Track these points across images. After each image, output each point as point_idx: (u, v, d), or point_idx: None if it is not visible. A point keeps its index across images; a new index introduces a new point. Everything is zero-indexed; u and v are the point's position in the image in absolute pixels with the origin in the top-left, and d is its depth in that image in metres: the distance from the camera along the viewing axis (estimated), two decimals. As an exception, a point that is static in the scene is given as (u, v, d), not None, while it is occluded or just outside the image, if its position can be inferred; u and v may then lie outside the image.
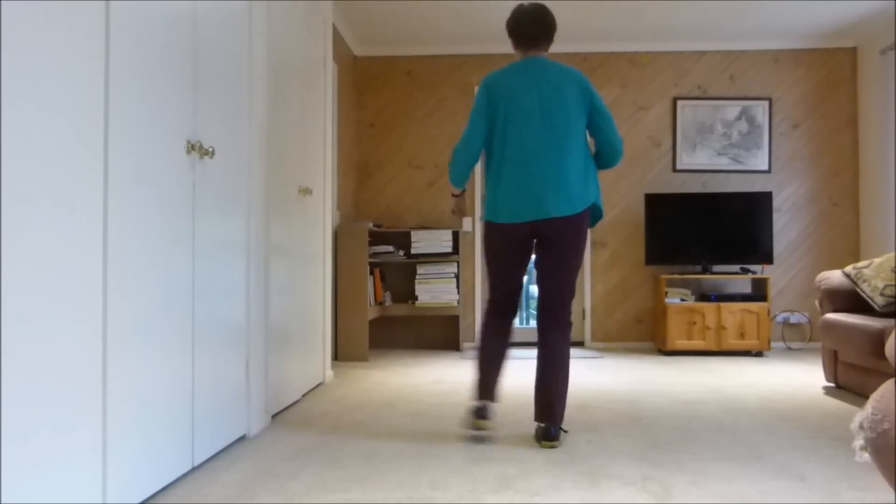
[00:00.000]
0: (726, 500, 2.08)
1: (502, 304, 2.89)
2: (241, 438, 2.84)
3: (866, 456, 1.51)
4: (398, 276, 5.97)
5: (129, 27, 1.93)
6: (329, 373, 4.23)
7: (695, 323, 5.39)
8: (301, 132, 3.69)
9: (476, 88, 6.01)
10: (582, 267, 5.91)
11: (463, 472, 2.38)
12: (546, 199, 2.72)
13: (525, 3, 2.97)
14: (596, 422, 3.13)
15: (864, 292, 3.85)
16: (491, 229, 2.83)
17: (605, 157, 2.89)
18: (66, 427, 1.65)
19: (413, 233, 5.69)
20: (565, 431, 2.87)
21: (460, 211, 3.07)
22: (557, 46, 5.97)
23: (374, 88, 6.09)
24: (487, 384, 2.82)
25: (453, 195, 3.06)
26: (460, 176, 2.92)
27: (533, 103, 2.78)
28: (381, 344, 6.03)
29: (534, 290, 2.90)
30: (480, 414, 2.77)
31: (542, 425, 2.73)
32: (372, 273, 5.43)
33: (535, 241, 2.83)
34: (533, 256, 2.91)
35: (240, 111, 2.80)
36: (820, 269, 5.89)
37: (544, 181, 2.73)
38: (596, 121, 2.83)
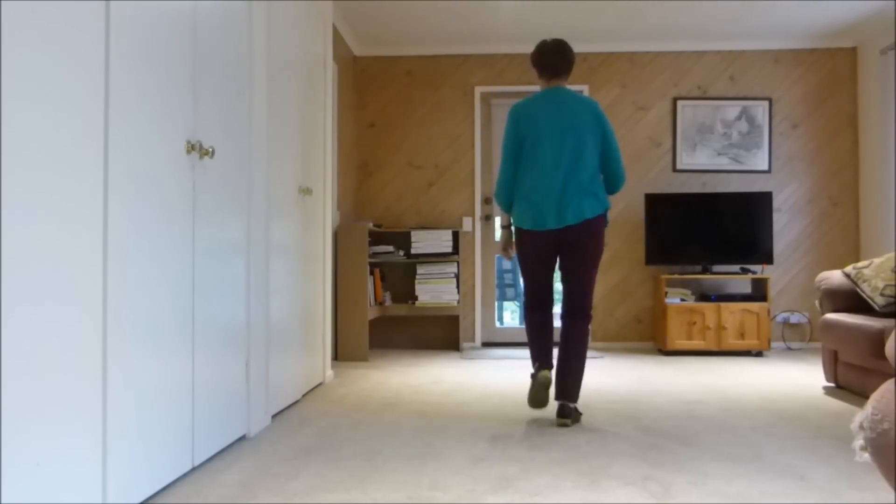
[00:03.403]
0: (726, 500, 2.08)
1: (537, 299, 3.31)
2: (241, 438, 2.84)
3: (866, 456, 1.51)
4: (398, 276, 5.97)
5: (129, 27, 1.93)
6: (329, 373, 4.23)
7: (695, 323, 5.39)
8: (301, 132, 3.69)
9: (476, 88, 6.03)
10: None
11: (463, 472, 2.38)
12: (564, 211, 3.15)
13: (548, 39, 3.41)
14: (596, 422, 3.13)
15: (864, 292, 3.85)
16: (521, 234, 3.27)
17: (609, 182, 3.29)
18: (66, 427, 1.65)
19: (413, 233, 5.69)
20: (580, 413, 3.16)
21: (508, 244, 3.44)
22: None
23: (374, 88, 6.09)
24: (543, 371, 3.21)
25: (503, 227, 3.45)
26: (508, 198, 3.33)
27: (554, 128, 3.20)
28: (381, 344, 6.03)
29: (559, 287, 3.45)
30: (536, 405, 3.17)
31: (559, 402, 3.11)
32: (372, 273, 5.43)
33: (558, 245, 3.22)
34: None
35: (240, 111, 2.80)
36: (820, 269, 5.89)
37: (563, 195, 3.16)
38: (604, 149, 3.24)
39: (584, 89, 5.99)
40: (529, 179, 3.23)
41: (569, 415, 3.06)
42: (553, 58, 3.28)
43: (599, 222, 3.19)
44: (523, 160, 3.27)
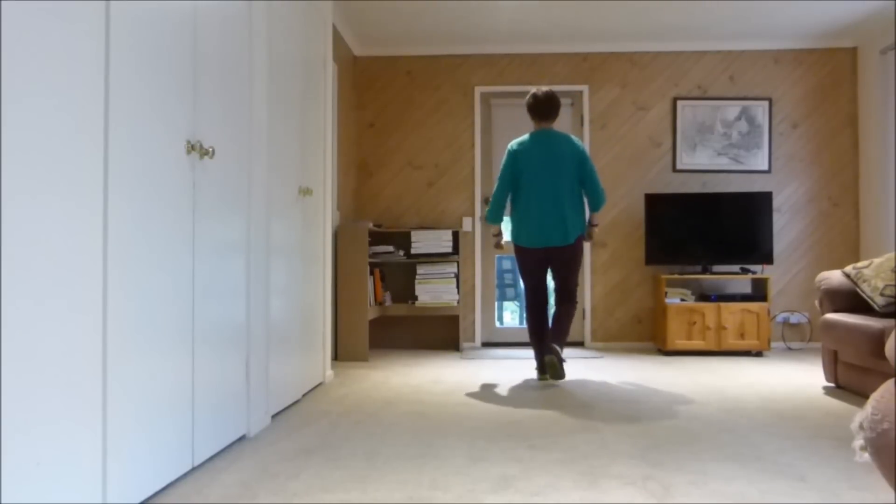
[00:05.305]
0: (726, 500, 2.08)
1: (536, 299, 4.20)
2: (241, 438, 2.85)
3: (866, 456, 1.51)
4: (398, 276, 5.97)
5: (129, 27, 1.93)
6: (329, 373, 4.23)
7: (695, 323, 5.39)
8: (301, 132, 3.69)
9: (476, 88, 6.03)
10: (582, 268, 5.93)
11: (463, 472, 2.38)
12: (552, 233, 4.06)
13: (540, 90, 4.17)
14: (596, 422, 3.13)
15: (864, 292, 3.85)
16: (520, 250, 4.18)
17: (591, 202, 4.16)
18: (66, 427, 1.65)
19: (413, 233, 5.69)
20: (564, 360, 4.07)
21: (500, 246, 4.35)
22: (558, 47, 5.97)
23: (374, 88, 6.09)
24: (541, 356, 4.16)
25: (493, 235, 4.35)
26: (496, 217, 4.23)
27: (543, 163, 4.06)
28: (381, 344, 6.03)
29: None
30: (542, 372, 4.22)
31: (549, 349, 4.03)
32: (372, 273, 5.43)
33: (549, 257, 4.12)
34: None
35: (240, 111, 2.80)
36: (820, 269, 5.89)
37: (551, 220, 4.04)
38: (584, 178, 4.11)
39: (584, 90, 5.99)
40: (526, 206, 4.08)
41: (554, 353, 3.98)
42: (544, 106, 4.13)
43: (580, 240, 4.13)
44: (521, 190, 4.10)
